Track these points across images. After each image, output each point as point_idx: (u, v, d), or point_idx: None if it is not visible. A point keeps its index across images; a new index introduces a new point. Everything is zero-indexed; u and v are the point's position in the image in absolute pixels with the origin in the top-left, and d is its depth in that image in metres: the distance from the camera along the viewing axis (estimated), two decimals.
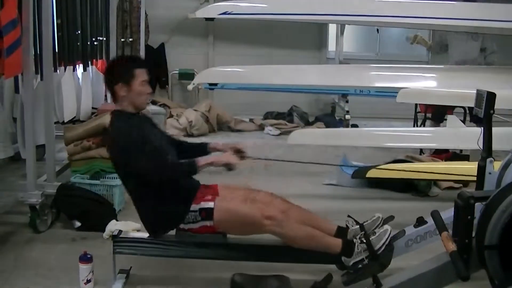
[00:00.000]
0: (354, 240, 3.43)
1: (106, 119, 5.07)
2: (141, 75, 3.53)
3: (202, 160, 3.41)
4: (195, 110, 9.43)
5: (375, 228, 3.49)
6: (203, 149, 3.80)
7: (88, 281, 3.58)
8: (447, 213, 2.99)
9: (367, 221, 3.58)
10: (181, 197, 3.46)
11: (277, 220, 3.34)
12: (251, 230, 3.45)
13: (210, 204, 3.41)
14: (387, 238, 3.39)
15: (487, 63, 7.22)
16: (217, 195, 3.53)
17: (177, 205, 3.45)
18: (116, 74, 3.53)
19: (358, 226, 3.55)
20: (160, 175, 3.37)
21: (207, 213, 3.40)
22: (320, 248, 3.42)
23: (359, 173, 5.71)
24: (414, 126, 8.05)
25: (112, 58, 3.60)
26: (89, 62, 6.91)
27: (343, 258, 3.42)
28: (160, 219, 3.49)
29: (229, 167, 3.42)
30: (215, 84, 8.79)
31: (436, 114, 7.40)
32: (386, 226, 3.46)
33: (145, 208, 3.53)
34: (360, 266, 3.36)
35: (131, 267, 3.76)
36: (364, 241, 3.39)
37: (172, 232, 3.52)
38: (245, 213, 3.39)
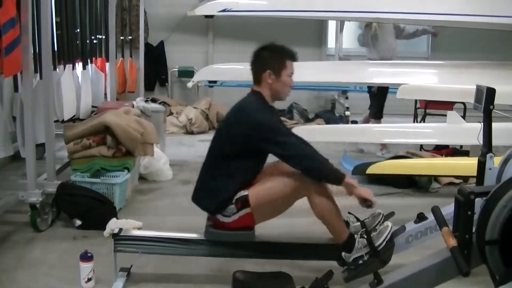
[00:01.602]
0: (355, 236, 3.43)
1: (106, 117, 5.11)
2: (291, 67, 3.57)
3: (350, 179, 3.41)
4: (195, 107, 9.44)
5: (376, 225, 3.49)
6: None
7: (89, 279, 3.58)
8: (448, 209, 2.99)
9: (368, 217, 3.57)
10: (242, 186, 3.46)
11: (312, 186, 3.37)
12: (289, 200, 3.43)
13: (244, 192, 3.42)
14: (388, 234, 3.39)
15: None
16: (251, 185, 3.52)
17: (234, 191, 3.45)
18: (268, 61, 3.55)
19: (359, 223, 3.55)
20: (304, 159, 3.38)
21: (242, 202, 3.40)
22: (333, 226, 3.43)
23: (360, 170, 5.72)
24: (414, 122, 8.06)
25: (264, 44, 3.61)
26: (89, 61, 6.92)
27: (343, 253, 3.42)
28: (216, 198, 3.48)
29: (368, 204, 3.41)
30: (215, 82, 8.79)
31: (375, 110, 7.57)
32: (387, 223, 3.45)
33: (213, 182, 3.51)
34: (360, 262, 3.37)
35: (132, 265, 3.76)
36: (365, 237, 3.39)
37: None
38: (281, 185, 3.39)
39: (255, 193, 3.41)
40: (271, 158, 3.58)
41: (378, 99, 7.50)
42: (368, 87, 7.61)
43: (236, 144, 3.44)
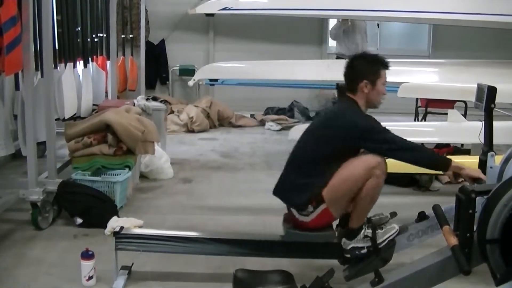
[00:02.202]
0: (363, 226, 3.44)
1: (107, 115, 5.11)
2: (385, 76, 3.61)
3: (455, 163, 3.41)
4: (196, 106, 9.43)
5: (382, 224, 3.50)
6: None
7: (90, 277, 3.58)
8: (449, 208, 2.99)
9: (374, 216, 3.58)
10: (323, 183, 3.46)
11: (381, 165, 3.40)
12: (357, 185, 3.40)
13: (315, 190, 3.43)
14: (392, 235, 3.41)
15: None
16: None
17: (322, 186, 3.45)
18: (364, 71, 3.58)
19: (365, 219, 3.56)
20: (410, 151, 3.42)
21: (316, 198, 3.42)
22: (362, 210, 3.44)
23: None
24: (415, 121, 8.06)
25: (359, 54, 3.66)
26: (90, 59, 6.92)
27: (343, 239, 3.45)
28: (299, 193, 3.49)
29: (478, 181, 3.40)
30: (216, 80, 8.79)
31: None
32: (394, 225, 3.47)
33: (300, 179, 3.51)
34: (357, 252, 3.40)
35: (133, 263, 3.76)
36: (370, 231, 3.40)
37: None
38: (347, 172, 3.39)
39: (327, 187, 3.41)
40: None
41: None
42: (336, 84, 7.48)
43: (337, 146, 3.45)
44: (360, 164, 3.39)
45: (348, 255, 3.42)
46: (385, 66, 3.63)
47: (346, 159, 3.44)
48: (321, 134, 3.56)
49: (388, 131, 3.47)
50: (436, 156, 3.52)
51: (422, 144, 6.55)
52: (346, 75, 3.67)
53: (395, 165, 4.89)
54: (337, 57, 8.00)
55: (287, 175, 3.64)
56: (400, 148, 3.41)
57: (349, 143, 3.44)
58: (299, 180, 3.52)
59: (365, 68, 3.60)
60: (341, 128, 3.47)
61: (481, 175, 3.34)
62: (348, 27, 7.46)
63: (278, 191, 3.65)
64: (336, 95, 10.41)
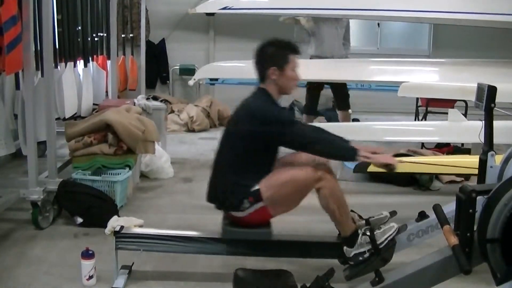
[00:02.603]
0: (359, 231, 3.44)
1: (107, 115, 5.11)
2: (294, 61, 3.57)
3: (363, 152, 3.38)
4: (196, 105, 9.43)
5: (381, 224, 3.49)
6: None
7: (90, 277, 3.58)
8: (449, 207, 2.99)
9: (373, 216, 3.58)
10: (256, 180, 3.44)
11: (326, 175, 3.37)
12: (302, 192, 3.42)
13: (255, 187, 3.40)
14: (391, 234, 3.40)
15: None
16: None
17: (248, 187, 3.43)
18: (270, 57, 3.55)
19: (363, 221, 3.56)
20: (316, 144, 3.40)
21: (255, 196, 3.39)
22: (340, 219, 3.43)
23: (361, 168, 5.71)
24: (415, 120, 8.06)
25: (267, 41, 3.62)
26: (90, 58, 6.92)
27: (344, 248, 3.43)
28: (231, 195, 3.47)
29: (390, 167, 3.40)
30: (216, 79, 8.80)
31: (308, 107, 7.51)
32: (393, 224, 3.46)
33: (227, 180, 3.50)
34: (360, 258, 3.38)
35: (133, 262, 3.76)
36: (368, 234, 3.40)
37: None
38: (291, 177, 3.39)
39: (266, 186, 3.40)
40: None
41: (312, 94, 7.45)
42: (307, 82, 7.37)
43: (250, 142, 3.44)
44: (302, 173, 3.38)
45: (352, 262, 3.41)
46: (294, 50, 3.59)
47: (272, 153, 3.46)
48: (234, 130, 3.56)
49: (295, 123, 3.44)
50: (343, 148, 3.45)
51: (423, 144, 6.58)
52: (255, 63, 3.63)
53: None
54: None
55: (215, 178, 3.62)
56: (308, 143, 3.40)
57: (258, 136, 3.41)
58: (228, 181, 3.50)
59: (272, 54, 3.56)
60: (246, 121, 3.47)
61: (391, 160, 3.39)
62: (308, 28, 7.28)
63: (211, 197, 3.63)
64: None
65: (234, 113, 3.67)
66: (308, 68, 6.13)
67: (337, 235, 3.57)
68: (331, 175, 3.44)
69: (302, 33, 7.33)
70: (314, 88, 7.36)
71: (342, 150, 3.44)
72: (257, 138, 3.42)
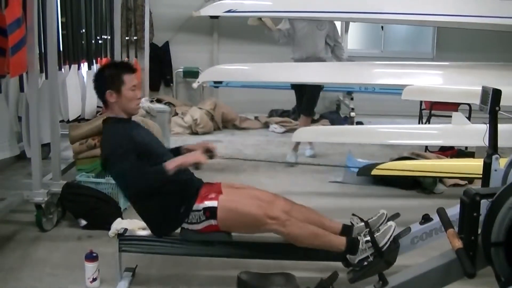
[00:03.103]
0: (359, 237, 3.43)
1: None
2: (130, 80, 3.53)
3: (170, 163, 3.35)
4: (200, 108, 9.44)
5: (379, 225, 3.49)
6: (178, 152, 3.77)
7: (94, 279, 3.58)
8: (453, 210, 2.98)
9: (372, 218, 3.58)
10: (182, 197, 3.45)
11: (280, 219, 3.35)
12: (254, 229, 3.44)
13: (214, 203, 3.40)
14: (391, 234, 3.39)
15: (336, 56, 7.24)
16: (221, 193, 3.51)
17: (179, 205, 3.43)
18: (105, 81, 3.53)
19: (363, 224, 3.55)
20: (136, 185, 3.37)
21: (211, 212, 3.39)
22: (323, 247, 3.43)
23: (365, 171, 5.71)
24: (419, 123, 8.05)
25: (99, 66, 3.60)
26: (94, 61, 6.92)
27: (348, 256, 3.42)
28: (163, 220, 3.48)
29: (196, 166, 3.41)
30: (220, 82, 8.80)
31: (304, 107, 7.22)
32: (390, 222, 3.46)
33: (147, 210, 3.51)
34: (365, 263, 3.37)
35: (136, 265, 3.76)
36: (369, 238, 3.39)
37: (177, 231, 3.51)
38: (249, 212, 3.38)
39: (224, 209, 3.39)
40: None
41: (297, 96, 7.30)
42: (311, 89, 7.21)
43: (125, 174, 3.39)
44: (260, 213, 3.36)
45: (358, 268, 3.41)
46: (127, 70, 3.56)
47: (150, 173, 3.39)
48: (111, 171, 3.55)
49: (124, 158, 3.35)
50: (154, 173, 3.37)
51: (426, 147, 6.57)
52: (94, 89, 3.61)
53: (397, 168, 4.90)
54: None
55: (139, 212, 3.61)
56: (126, 186, 3.45)
57: (120, 167, 3.39)
58: (147, 217, 3.54)
59: (106, 77, 3.53)
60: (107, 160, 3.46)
61: (197, 158, 3.40)
62: (272, 31, 7.14)
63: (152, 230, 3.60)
64: (341, 98, 10.44)
65: None
66: (309, 71, 6.14)
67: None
68: (287, 214, 3.42)
69: (272, 35, 7.13)
70: (295, 89, 7.28)
71: (155, 174, 3.37)
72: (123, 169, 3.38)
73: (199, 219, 3.41)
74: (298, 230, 3.38)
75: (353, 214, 3.62)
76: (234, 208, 3.40)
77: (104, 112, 3.68)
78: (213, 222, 3.40)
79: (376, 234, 3.41)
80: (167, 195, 3.42)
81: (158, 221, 3.50)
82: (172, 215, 3.45)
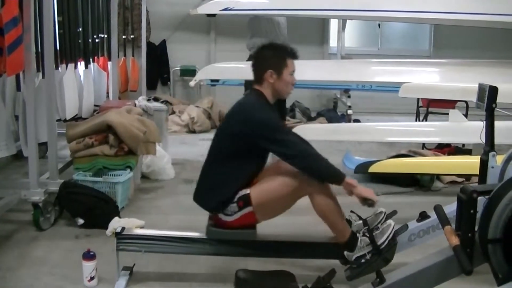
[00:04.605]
0: (358, 234, 3.44)
1: (108, 116, 5.11)
2: (292, 65, 3.57)
3: (350, 179, 3.38)
4: (197, 106, 9.43)
5: (378, 223, 3.49)
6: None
7: (92, 278, 3.58)
8: (450, 207, 2.99)
9: (370, 216, 3.58)
10: (243, 185, 3.46)
11: (315, 184, 3.36)
12: (291, 200, 3.43)
13: (246, 191, 3.41)
14: (390, 232, 3.39)
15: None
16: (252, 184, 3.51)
17: (236, 191, 3.44)
18: (269, 60, 3.55)
19: (361, 221, 3.55)
20: (306, 158, 3.37)
21: (244, 200, 3.40)
22: (335, 225, 3.43)
23: (362, 168, 5.72)
24: (416, 121, 8.06)
25: (264, 44, 3.63)
26: (91, 60, 6.92)
27: (345, 252, 3.42)
28: (217, 197, 3.47)
29: (369, 203, 3.40)
30: (217, 80, 8.80)
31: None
32: (389, 221, 3.46)
33: (214, 181, 3.51)
34: (363, 260, 3.37)
35: (134, 264, 3.76)
36: (367, 235, 3.40)
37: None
38: (283, 183, 3.38)
39: (257, 192, 3.40)
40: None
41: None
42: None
43: (238, 143, 3.43)
44: (291, 179, 3.38)
45: (355, 266, 3.41)
46: (292, 55, 3.59)
47: (257, 157, 3.46)
48: (224, 131, 3.57)
49: (287, 132, 3.44)
50: (331, 169, 3.41)
51: (424, 144, 6.59)
52: (253, 65, 3.62)
53: (395, 166, 4.90)
54: None
55: (200, 178, 3.63)
56: (295, 156, 3.37)
57: (248, 139, 3.40)
58: (211, 182, 3.52)
59: (270, 57, 3.56)
60: (237, 123, 3.46)
61: (373, 196, 3.37)
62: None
63: (195, 196, 3.64)
64: (338, 95, 10.45)
65: (227, 115, 3.68)
66: (307, 69, 6.14)
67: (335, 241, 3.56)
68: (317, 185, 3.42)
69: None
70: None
71: (331, 171, 3.40)
72: (243, 138, 3.41)
73: (233, 211, 3.42)
74: (327, 199, 3.39)
75: (352, 211, 3.62)
76: (266, 186, 3.41)
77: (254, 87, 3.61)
78: (247, 210, 3.41)
79: (375, 233, 3.41)
80: (241, 178, 3.45)
81: (218, 195, 3.48)
82: (228, 195, 3.44)
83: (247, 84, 6.68)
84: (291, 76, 3.58)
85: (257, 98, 3.55)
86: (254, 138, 3.38)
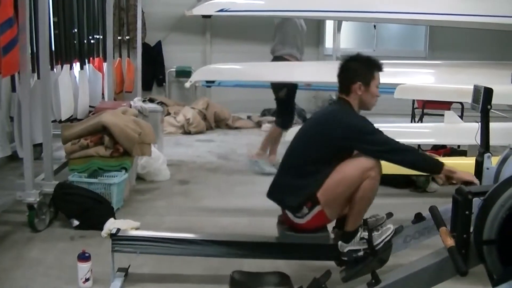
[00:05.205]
0: (359, 228, 3.44)
1: (104, 117, 5.11)
2: (378, 78, 3.62)
3: (447, 166, 3.39)
4: (193, 107, 9.44)
5: (378, 226, 3.50)
6: None
7: (87, 279, 3.57)
8: (445, 209, 2.99)
9: (370, 217, 3.58)
10: (315, 184, 3.46)
11: (376, 169, 3.40)
12: (354, 188, 3.40)
13: (312, 191, 3.43)
14: (388, 236, 3.41)
15: None
16: None
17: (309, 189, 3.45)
18: (358, 73, 3.58)
19: (361, 221, 3.56)
20: (403, 152, 3.42)
21: (312, 200, 3.42)
22: (359, 213, 3.45)
23: None
24: (411, 122, 8.06)
25: (353, 55, 3.65)
26: (86, 60, 6.91)
27: (340, 242, 3.45)
28: (294, 195, 3.48)
29: (471, 185, 3.40)
30: (213, 82, 8.77)
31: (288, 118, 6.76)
32: (390, 225, 3.47)
33: (305, 184, 3.48)
34: (354, 255, 3.40)
35: (129, 265, 3.75)
36: (366, 234, 3.41)
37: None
38: (344, 174, 3.40)
39: (322, 190, 3.41)
40: None
41: (286, 105, 6.86)
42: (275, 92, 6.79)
43: (326, 148, 3.46)
44: (354, 166, 3.39)
45: (345, 258, 3.42)
46: (379, 68, 3.63)
47: (339, 161, 3.45)
48: (314, 135, 3.57)
49: (381, 132, 3.47)
50: (429, 159, 3.53)
51: (419, 146, 6.60)
52: (340, 76, 3.67)
53: (391, 167, 4.89)
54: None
55: (280, 177, 3.64)
56: (394, 150, 3.41)
57: (341, 143, 3.44)
58: (293, 182, 3.52)
59: (359, 69, 3.60)
60: (333, 128, 3.48)
61: (474, 179, 3.35)
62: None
63: (272, 194, 3.66)
64: (334, 97, 10.45)
65: (314, 117, 3.77)
66: (301, 70, 6.15)
67: (334, 237, 3.57)
68: (379, 170, 3.45)
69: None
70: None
71: (429, 162, 3.49)
72: (339, 147, 3.45)
73: (302, 214, 3.45)
74: (373, 187, 3.41)
75: None
76: (331, 181, 3.41)
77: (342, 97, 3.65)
78: (316, 210, 3.42)
79: (374, 233, 3.42)
80: (323, 179, 3.44)
81: (303, 196, 3.47)
82: (306, 192, 3.45)
83: (274, 87, 6.70)
84: (377, 88, 3.63)
85: (347, 107, 3.60)
86: (350, 141, 3.45)
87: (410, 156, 3.43)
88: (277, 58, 6.56)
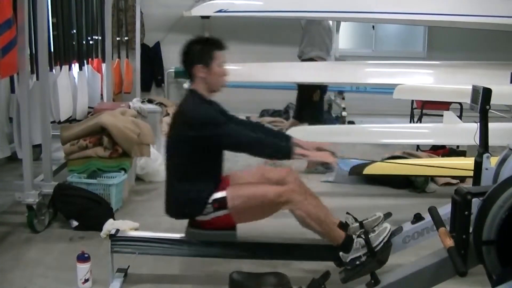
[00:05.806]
0: (354, 236, 3.43)
1: (103, 118, 5.11)
2: (221, 57, 3.58)
3: (298, 149, 3.41)
4: None
5: (375, 226, 3.49)
6: (286, 140, 3.70)
7: (86, 280, 3.58)
8: (445, 209, 2.99)
9: (367, 219, 3.57)
10: (211, 185, 3.46)
11: (294, 201, 3.36)
12: (267, 211, 3.44)
13: (222, 193, 3.41)
14: (386, 235, 3.40)
15: None
16: (228, 185, 3.52)
17: (205, 192, 3.43)
18: (196, 55, 3.57)
19: (357, 224, 3.55)
20: (249, 145, 3.44)
21: (220, 203, 3.39)
22: (325, 234, 3.43)
23: (357, 170, 5.72)
24: (410, 122, 8.07)
25: (191, 39, 3.62)
26: (85, 61, 6.90)
27: (341, 253, 3.42)
28: (188, 203, 3.46)
29: (326, 166, 3.40)
30: None
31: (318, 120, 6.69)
32: (386, 224, 3.46)
33: (178, 189, 3.50)
34: (357, 262, 3.37)
35: (128, 266, 3.76)
36: (363, 237, 3.39)
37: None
38: (261, 191, 3.40)
39: (235, 196, 3.41)
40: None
41: (319, 107, 6.94)
42: (300, 93, 6.95)
43: (188, 147, 3.42)
44: (271, 192, 3.38)
45: (349, 267, 3.40)
46: (218, 46, 3.61)
47: (212, 156, 3.46)
48: (173, 137, 3.55)
49: (225, 123, 3.45)
50: (276, 146, 3.50)
51: (418, 146, 6.59)
52: (182, 62, 3.65)
53: (389, 168, 4.92)
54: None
55: (166, 191, 3.61)
56: (240, 143, 3.44)
57: (195, 140, 3.39)
58: (178, 192, 3.51)
59: (197, 51, 3.58)
60: (181, 125, 3.47)
61: (328, 158, 3.43)
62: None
63: (168, 210, 3.61)
64: (332, 97, 10.45)
65: (171, 120, 3.67)
66: (300, 71, 6.15)
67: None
68: (301, 191, 3.44)
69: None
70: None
71: (276, 149, 3.48)
72: (195, 143, 3.39)
73: (208, 212, 3.42)
74: (312, 208, 3.39)
75: (348, 213, 3.62)
76: (244, 194, 3.42)
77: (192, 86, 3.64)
78: (222, 213, 3.40)
79: (371, 235, 3.41)
80: (202, 180, 3.44)
81: (184, 204, 3.47)
82: (196, 200, 3.43)
83: (305, 89, 6.71)
84: (222, 68, 3.60)
85: (192, 98, 3.55)
86: (202, 138, 3.39)
87: (258, 147, 3.45)
88: (306, 61, 6.59)
